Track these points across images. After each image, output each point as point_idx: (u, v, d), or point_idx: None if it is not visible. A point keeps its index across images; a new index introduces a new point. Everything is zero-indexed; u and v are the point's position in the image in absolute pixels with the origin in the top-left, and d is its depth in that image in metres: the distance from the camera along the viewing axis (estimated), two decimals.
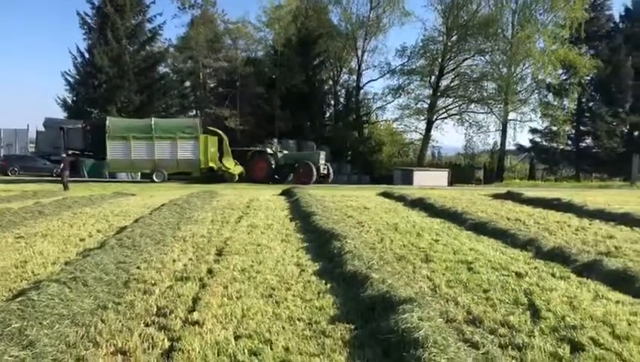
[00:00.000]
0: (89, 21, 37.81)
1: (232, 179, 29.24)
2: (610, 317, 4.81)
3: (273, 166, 29.64)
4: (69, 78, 37.85)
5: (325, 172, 30.43)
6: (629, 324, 4.67)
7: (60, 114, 38.15)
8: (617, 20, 43.55)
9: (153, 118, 30.26)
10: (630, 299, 5.43)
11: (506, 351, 4.08)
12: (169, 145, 28.73)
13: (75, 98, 38.22)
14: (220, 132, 30.96)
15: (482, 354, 3.90)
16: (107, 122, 28.93)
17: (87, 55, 37.43)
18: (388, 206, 14.48)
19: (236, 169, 29.95)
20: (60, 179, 21.07)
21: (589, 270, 6.47)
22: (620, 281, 5.97)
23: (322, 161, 30.29)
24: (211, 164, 29.31)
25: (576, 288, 5.84)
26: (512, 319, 4.75)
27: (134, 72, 37.50)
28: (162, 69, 42.65)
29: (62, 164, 21.19)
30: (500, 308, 5.11)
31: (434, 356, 3.51)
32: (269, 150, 30.11)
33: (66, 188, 19.88)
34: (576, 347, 4.15)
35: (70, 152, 33.30)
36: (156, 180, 28.21)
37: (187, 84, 45.36)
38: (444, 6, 41.57)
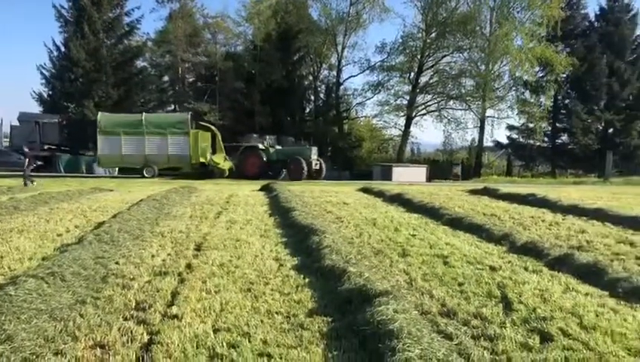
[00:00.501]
0: (65, 14, 37.21)
1: (222, 174, 29.07)
2: (578, 309, 4.95)
3: (265, 162, 29.01)
4: (44, 71, 37.29)
5: (317, 167, 29.77)
6: (597, 315, 4.82)
7: (36, 108, 37.65)
8: (592, 19, 44.32)
9: (144, 114, 30.32)
10: (599, 291, 5.59)
11: (478, 341, 4.19)
12: (160, 140, 28.75)
13: (50, 92, 37.66)
14: (213, 127, 30.88)
15: (455, 344, 4.02)
16: (98, 117, 28.98)
17: (63, 48, 36.86)
18: (367, 201, 14.61)
19: (225, 164, 29.75)
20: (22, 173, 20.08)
21: (561, 263, 6.64)
22: (590, 274, 6.14)
23: (314, 157, 29.62)
24: (202, 160, 29.25)
25: (548, 281, 5.99)
26: (484, 311, 4.87)
27: (112, 65, 37.03)
28: (140, 63, 42.21)
29: (27, 159, 20.39)
30: (474, 300, 5.24)
31: (408, 346, 3.61)
32: (260, 145, 29.43)
33: (28, 183, 19.24)
34: (546, 337, 4.28)
35: (46, 147, 33.09)
36: (146, 175, 28.09)
37: (165, 78, 45.06)
38: (423, 3, 41.95)
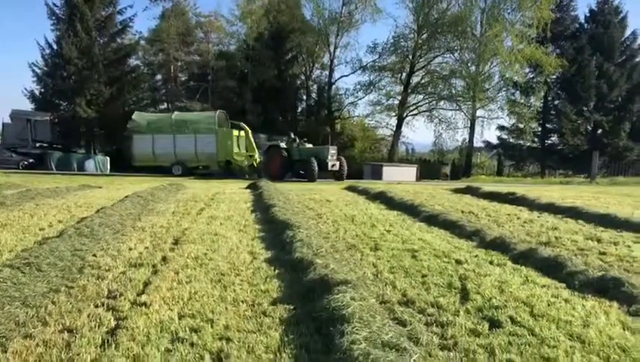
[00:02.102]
0: (57, 11, 37.34)
1: (242, 171, 29.51)
2: (532, 299, 5.18)
3: (288, 161, 27.67)
4: (36, 69, 37.36)
5: (336, 168, 27.91)
6: (548, 305, 5.04)
7: (27, 106, 37.74)
8: (582, 21, 44.75)
9: (174, 113, 31.73)
10: (556, 283, 5.82)
11: (430, 327, 4.42)
12: (188, 138, 29.82)
13: (42, 90, 37.74)
14: (245, 126, 31.15)
15: (407, 330, 4.25)
16: (133, 116, 30.61)
17: (55, 46, 36.97)
18: (349, 199, 14.81)
19: (244, 161, 30.11)
20: None
21: (525, 258, 6.86)
22: (551, 268, 6.36)
23: (332, 157, 27.95)
24: (228, 158, 29.97)
25: (509, 274, 6.21)
26: (442, 300, 5.10)
27: (104, 64, 37.17)
28: (133, 61, 42.46)
29: None
30: (434, 291, 5.45)
31: (356, 330, 3.83)
32: (282, 144, 28.26)
33: None
34: (495, 324, 4.51)
35: (38, 144, 33.28)
36: (175, 173, 28.82)
37: (158, 77, 45.27)
38: (415, 4, 42.11)
